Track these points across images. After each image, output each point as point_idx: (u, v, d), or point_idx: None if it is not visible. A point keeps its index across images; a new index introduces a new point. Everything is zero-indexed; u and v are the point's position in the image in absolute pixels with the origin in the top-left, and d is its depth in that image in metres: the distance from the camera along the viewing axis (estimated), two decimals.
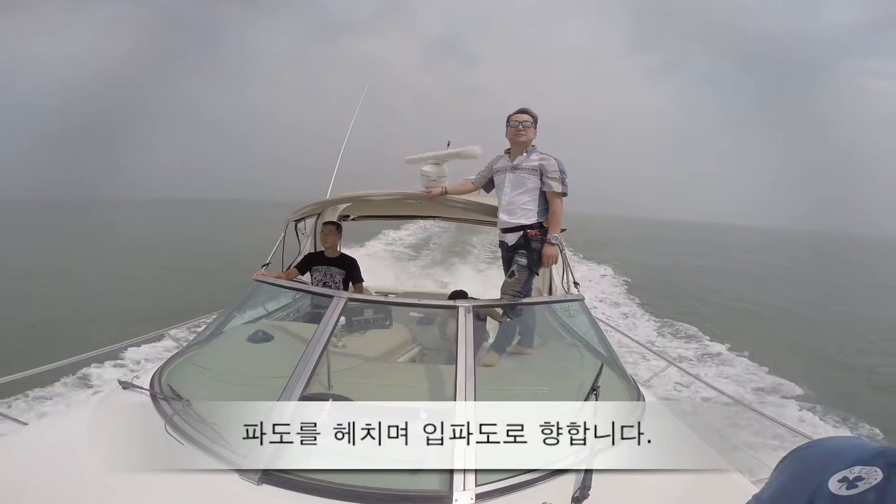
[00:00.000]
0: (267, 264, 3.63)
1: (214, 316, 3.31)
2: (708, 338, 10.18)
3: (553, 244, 2.72)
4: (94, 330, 8.63)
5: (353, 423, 1.81)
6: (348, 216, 5.17)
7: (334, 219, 4.85)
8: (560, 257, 3.74)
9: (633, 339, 5.54)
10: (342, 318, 2.43)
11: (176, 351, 2.78)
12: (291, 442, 1.71)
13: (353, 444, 1.77)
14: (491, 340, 2.97)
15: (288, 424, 1.72)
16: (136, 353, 6.46)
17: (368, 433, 1.78)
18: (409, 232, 24.41)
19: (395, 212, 5.16)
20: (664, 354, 5.77)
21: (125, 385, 2.27)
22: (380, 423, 1.79)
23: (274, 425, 1.71)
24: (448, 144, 4.58)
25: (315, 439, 1.73)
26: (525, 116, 2.81)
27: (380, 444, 1.75)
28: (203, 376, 2.37)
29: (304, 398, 1.80)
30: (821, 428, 6.27)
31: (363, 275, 4.02)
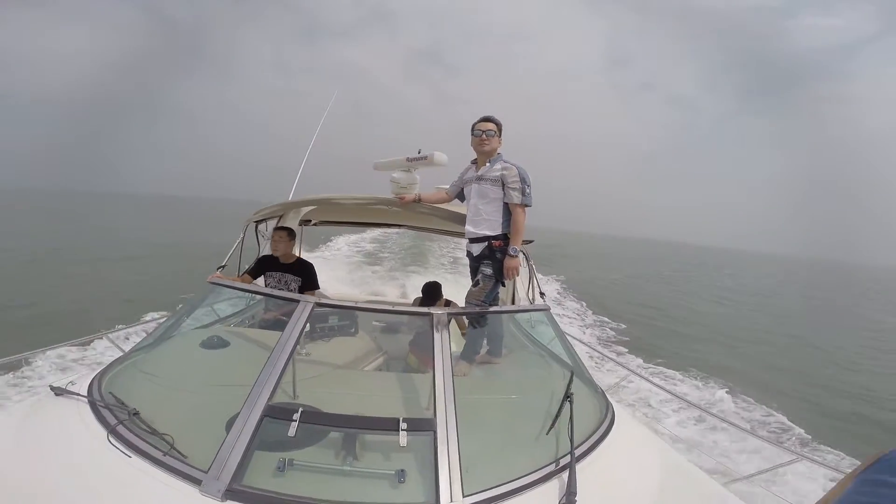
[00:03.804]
0: (223, 266, 3.40)
1: (161, 320, 3.07)
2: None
3: (513, 256, 2.69)
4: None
5: (328, 434, 1.73)
6: (310, 221, 4.98)
7: (295, 223, 4.67)
8: (527, 268, 3.80)
9: (595, 349, 5.71)
10: (307, 325, 2.32)
11: (118, 356, 2.54)
12: (260, 454, 1.59)
13: (333, 455, 1.68)
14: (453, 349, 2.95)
15: (255, 435, 1.59)
16: (62, 359, 5.83)
17: (346, 444, 1.70)
18: (367, 237, 24.05)
19: (361, 218, 5.01)
20: (625, 364, 6.01)
21: (58, 391, 2.04)
22: (357, 434, 1.71)
23: (239, 436, 1.58)
24: (419, 152, 4.54)
25: (287, 451, 1.62)
26: (489, 125, 2.77)
27: (356, 457, 1.67)
28: (151, 383, 2.16)
29: (270, 408, 1.67)
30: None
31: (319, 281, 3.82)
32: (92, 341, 3.48)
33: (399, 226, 5.29)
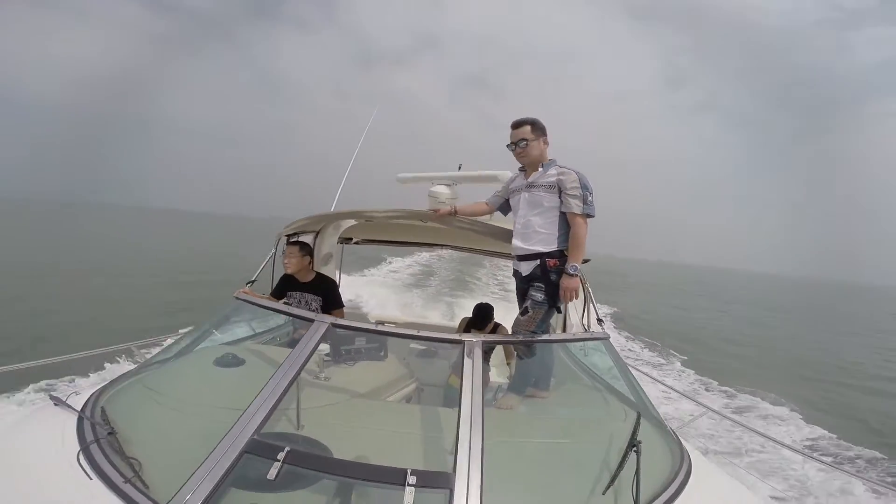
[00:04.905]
0: (252, 281, 3.25)
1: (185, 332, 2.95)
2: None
3: (572, 275, 2.27)
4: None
5: (319, 480, 1.43)
6: (351, 238, 4.82)
7: (334, 239, 4.52)
8: (581, 291, 3.35)
9: (664, 384, 5.08)
10: (326, 346, 2.07)
11: (129, 370, 2.41)
12: (236, 492, 1.35)
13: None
14: (496, 380, 2.58)
15: (230, 471, 1.35)
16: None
17: (340, 495, 1.41)
18: (417, 261, 24.03)
19: (400, 237, 4.78)
20: (698, 399, 5.26)
21: (56, 401, 1.94)
22: (354, 484, 1.42)
23: (212, 470, 1.34)
24: (459, 168, 4.29)
25: (265, 492, 1.35)
26: (521, 132, 2.42)
27: None
28: (148, 401, 2.00)
29: (253, 443, 1.43)
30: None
31: (363, 302, 3.57)
32: (119, 353, 3.45)
33: (442, 246, 5.02)
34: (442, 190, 3.74)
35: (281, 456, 1.37)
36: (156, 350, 3.30)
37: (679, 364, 11.17)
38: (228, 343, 2.77)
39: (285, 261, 3.39)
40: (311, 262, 3.55)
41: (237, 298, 2.70)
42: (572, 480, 1.69)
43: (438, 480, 1.37)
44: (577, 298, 2.41)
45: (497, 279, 20.10)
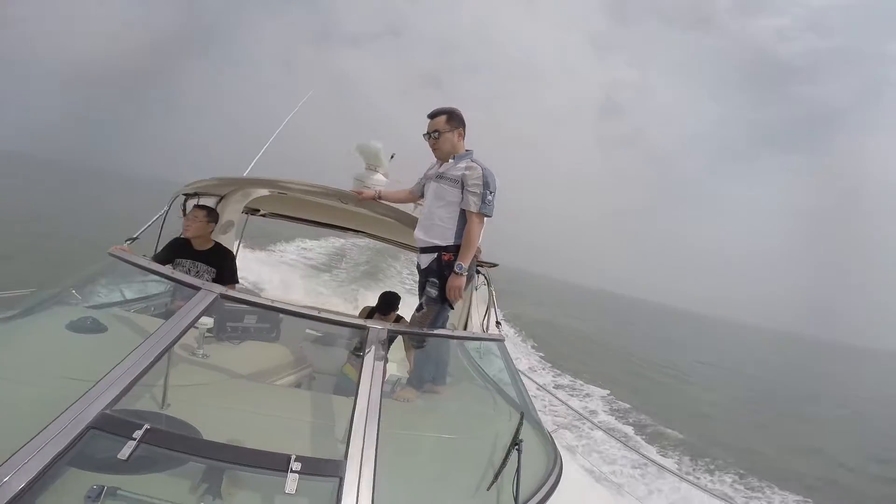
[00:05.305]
0: (133, 239, 2.80)
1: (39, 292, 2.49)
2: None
3: (458, 274, 2.22)
4: None
5: (184, 463, 1.27)
6: (258, 210, 4.44)
7: (239, 208, 4.14)
8: (487, 294, 3.44)
9: (546, 390, 5.44)
10: (210, 321, 1.87)
11: None
12: (75, 472, 1.15)
13: (185, 491, 1.23)
14: (393, 373, 2.55)
15: (70, 448, 1.14)
16: None
17: (208, 480, 1.25)
18: (324, 245, 22.92)
19: (314, 216, 4.50)
20: (576, 407, 5.75)
21: None
22: (226, 469, 1.27)
23: (44, 446, 1.12)
24: (392, 157, 4.19)
25: (114, 474, 1.17)
26: (434, 123, 2.35)
27: (220, 498, 1.24)
28: None
29: (103, 417, 1.22)
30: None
31: (264, 282, 3.28)
32: None
33: (356, 231, 4.81)
34: (378, 178, 3.61)
35: (137, 434, 1.18)
36: None
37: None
38: (91, 307, 2.38)
39: (186, 223, 3.03)
40: (212, 230, 3.21)
41: (111, 255, 2.31)
42: (460, 475, 1.72)
43: (327, 468, 1.27)
44: (461, 299, 2.34)
45: (412, 272, 20.00)
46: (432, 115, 2.38)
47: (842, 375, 37.95)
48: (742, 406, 15.82)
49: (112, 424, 1.22)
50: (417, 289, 2.52)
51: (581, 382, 11.19)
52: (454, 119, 2.37)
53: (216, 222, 3.22)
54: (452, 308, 2.41)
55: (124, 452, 1.15)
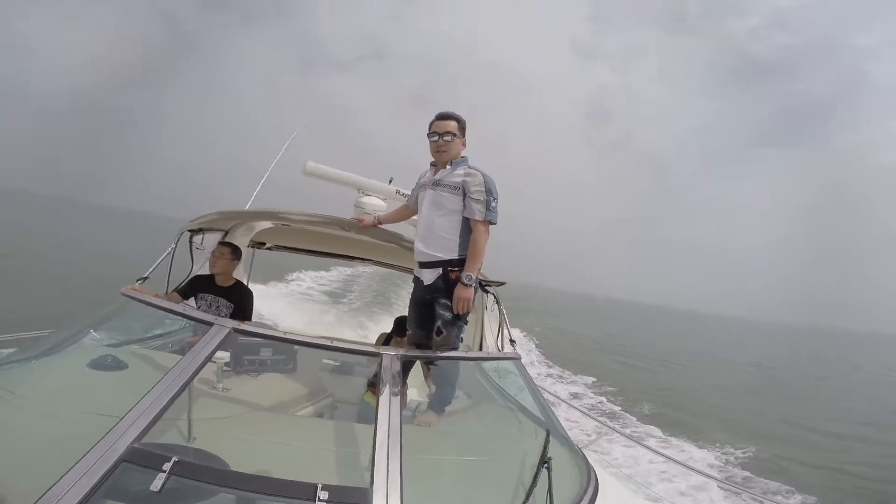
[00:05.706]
0: (144, 278, 2.87)
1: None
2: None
3: (467, 285, 2.15)
4: None
5: (214, 494, 1.27)
6: (264, 243, 4.48)
7: (245, 241, 4.18)
8: (497, 312, 3.41)
9: (570, 404, 5.30)
10: (227, 355, 1.89)
11: None
12: None
13: None
14: (414, 397, 2.51)
15: (102, 482, 1.15)
16: None
17: None
18: (335, 277, 22.94)
19: (318, 246, 4.52)
20: (604, 420, 5.55)
21: None
22: (256, 499, 1.29)
23: (78, 480, 1.13)
24: (390, 181, 4.24)
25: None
26: (448, 124, 2.25)
27: None
28: (3, 402, 1.67)
29: (133, 451, 1.23)
30: None
31: (275, 316, 3.32)
32: None
33: (363, 260, 4.84)
34: (375, 202, 3.63)
35: (167, 466, 1.18)
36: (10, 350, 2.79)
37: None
38: (109, 346, 2.40)
39: (212, 260, 3.12)
40: (235, 267, 3.29)
41: (124, 295, 2.36)
42: (489, 497, 1.68)
43: (354, 496, 1.27)
44: (470, 311, 2.27)
45: None
46: (444, 117, 2.28)
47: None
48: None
49: (142, 457, 1.24)
50: (410, 302, 2.42)
51: (611, 393, 10.81)
52: (462, 127, 2.32)
53: (239, 260, 3.31)
54: (466, 323, 2.35)
55: (156, 484, 1.16)
